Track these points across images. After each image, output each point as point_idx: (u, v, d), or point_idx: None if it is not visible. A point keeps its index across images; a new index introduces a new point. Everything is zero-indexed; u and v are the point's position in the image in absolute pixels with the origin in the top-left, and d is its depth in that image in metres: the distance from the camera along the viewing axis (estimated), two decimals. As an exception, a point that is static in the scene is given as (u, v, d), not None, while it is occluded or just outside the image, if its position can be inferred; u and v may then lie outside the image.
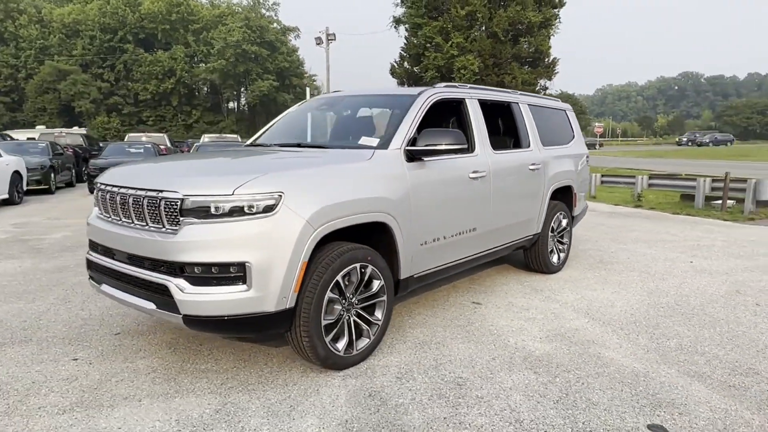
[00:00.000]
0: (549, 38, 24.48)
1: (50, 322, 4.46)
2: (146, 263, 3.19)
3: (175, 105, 61.33)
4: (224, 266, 3.01)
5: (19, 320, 4.51)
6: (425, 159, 4.05)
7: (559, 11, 24.39)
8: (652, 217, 10.89)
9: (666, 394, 3.25)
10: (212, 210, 3.02)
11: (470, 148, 4.60)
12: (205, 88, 66.66)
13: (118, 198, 3.41)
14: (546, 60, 24.74)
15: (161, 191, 3.12)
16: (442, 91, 4.55)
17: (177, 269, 3.05)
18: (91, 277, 3.81)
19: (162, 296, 3.12)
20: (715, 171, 15.66)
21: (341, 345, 3.49)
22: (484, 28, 23.89)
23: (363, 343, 3.64)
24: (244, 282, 3.02)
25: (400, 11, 26.50)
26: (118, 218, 3.45)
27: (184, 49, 60.63)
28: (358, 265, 3.49)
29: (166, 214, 3.11)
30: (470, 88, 5.00)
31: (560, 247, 6.23)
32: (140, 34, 60.76)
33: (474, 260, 4.83)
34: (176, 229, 3.07)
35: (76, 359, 3.73)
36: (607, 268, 6.37)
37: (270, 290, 3.07)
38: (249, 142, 5.00)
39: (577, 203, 6.48)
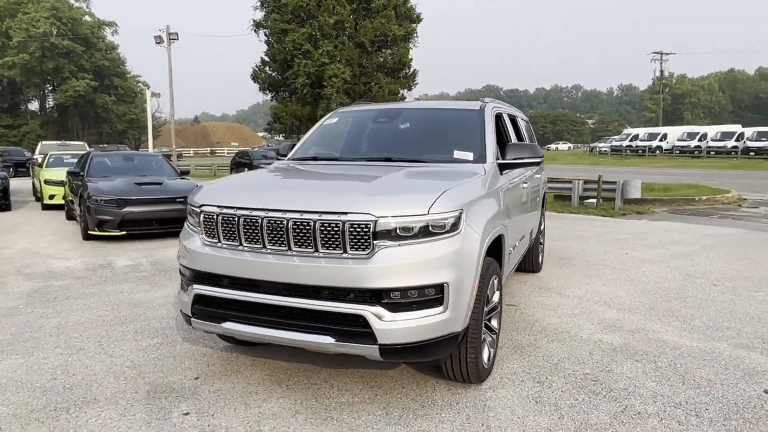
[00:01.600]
0: (409, 51, 25.98)
1: (92, 376, 3.69)
2: (325, 293, 2.89)
3: (-40, 105, 51.23)
4: (422, 289, 2.89)
5: (47, 378, 3.65)
6: (504, 171, 4.25)
7: (417, 26, 26.02)
8: (547, 216, 12.31)
9: (746, 364, 3.91)
10: (406, 231, 2.88)
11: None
12: (-2, 86, 56.82)
13: (263, 222, 3.01)
14: (407, 71, 26.20)
15: (345, 213, 2.87)
16: (495, 105, 4.78)
17: (372, 297, 2.84)
18: (194, 315, 3.28)
19: (350, 327, 2.87)
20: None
21: (486, 358, 3.53)
22: (347, 38, 24.38)
23: (491, 353, 3.71)
24: (441, 303, 2.93)
25: (259, 15, 25.80)
26: (260, 245, 3.05)
27: (-29, 40, 50.99)
28: (494, 277, 3.57)
29: (352, 238, 2.86)
30: (498, 102, 5.31)
31: (540, 248, 6.85)
32: None
33: (515, 267, 5.14)
34: (365, 254, 2.85)
35: (187, 413, 3.19)
36: (574, 264, 7.17)
37: (461, 310, 3.02)
38: (294, 155, 4.64)
39: (545, 207, 7.18)
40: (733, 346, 4.26)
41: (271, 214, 3.00)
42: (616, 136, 52.90)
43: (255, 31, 25.84)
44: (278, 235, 3.00)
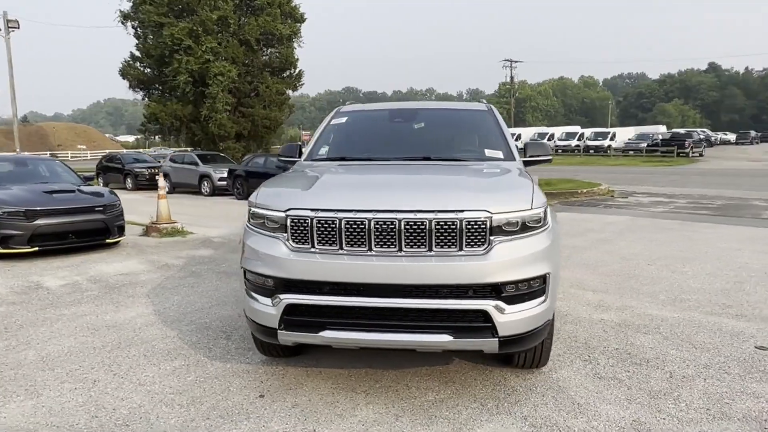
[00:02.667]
0: (294, 50, 25.55)
1: (138, 408, 3.27)
2: (443, 292, 2.89)
3: None
4: (530, 281, 3.03)
5: (84, 418, 3.16)
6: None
7: (301, 26, 25.65)
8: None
9: (726, 328, 4.61)
10: (511, 226, 3.00)
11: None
12: None
13: (371, 224, 2.92)
14: (292, 71, 25.75)
15: (461, 211, 2.90)
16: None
17: (491, 291, 2.92)
18: (282, 326, 3.06)
19: (469, 323, 2.92)
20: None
21: (545, 343, 3.76)
22: (231, 35, 23.27)
23: (541, 338, 3.96)
24: (544, 293, 3.10)
25: (127, 5, 23.56)
26: (364, 248, 2.96)
27: None
28: (548, 267, 3.82)
29: (468, 235, 2.91)
30: None
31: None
32: None
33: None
34: (482, 250, 2.92)
35: (285, 432, 2.99)
36: (523, 254, 7.74)
37: (554, 298, 3.23)
38: (310, 156, 4.45)
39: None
40: (703, 314, 4.98)
41: (380, 215, 2.93)
42: (477, 137, 57.17)
43: (122, 23, 23.54)
44: (387, 237, 2.93)
